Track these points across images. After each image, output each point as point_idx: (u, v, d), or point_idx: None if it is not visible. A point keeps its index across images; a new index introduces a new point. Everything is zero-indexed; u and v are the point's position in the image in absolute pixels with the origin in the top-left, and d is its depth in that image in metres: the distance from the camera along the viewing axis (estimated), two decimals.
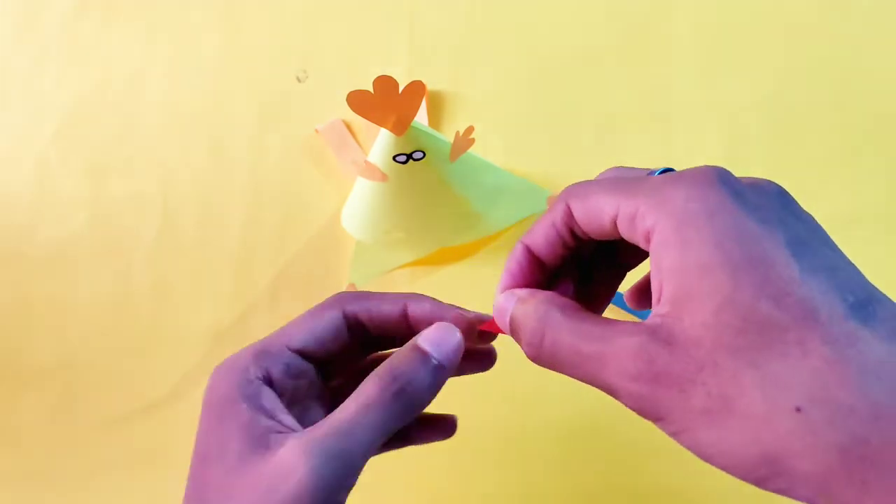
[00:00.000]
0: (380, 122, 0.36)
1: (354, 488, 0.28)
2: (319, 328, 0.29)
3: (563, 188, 0.28)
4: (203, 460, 0.27)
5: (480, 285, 0.49)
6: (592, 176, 0.46)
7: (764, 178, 0.24)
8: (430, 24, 0.56)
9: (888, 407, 0.18)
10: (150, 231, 0.53)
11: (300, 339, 0.29)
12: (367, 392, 0.26)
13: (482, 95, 0.54)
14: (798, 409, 0.19)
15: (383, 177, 0.40)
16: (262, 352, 0.28)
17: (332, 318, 0.30)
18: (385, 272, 0.49)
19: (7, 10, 0.59)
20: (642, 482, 0.45)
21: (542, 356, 0.24)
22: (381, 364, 0.27)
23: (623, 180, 0.24)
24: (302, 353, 0.29)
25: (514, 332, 0.25)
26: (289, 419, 0.27)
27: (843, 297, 0.20)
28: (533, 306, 0.25)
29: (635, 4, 0.55)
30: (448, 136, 0.39)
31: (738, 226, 0.21)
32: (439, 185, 0.41)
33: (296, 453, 0.24)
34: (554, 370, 0.24)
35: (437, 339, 0.27)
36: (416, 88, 0.34)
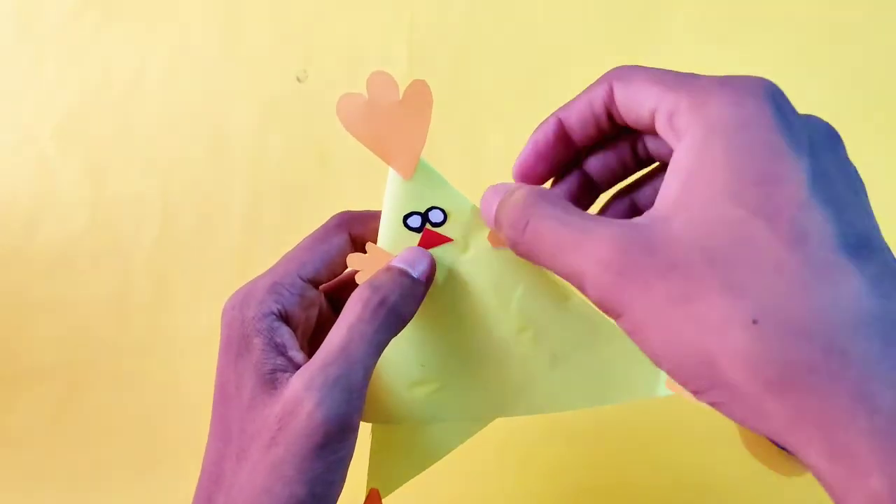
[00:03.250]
0: (381, 150, 0.28)
1: (354, 490, 0.28)
2: (329, 255, 0.29)
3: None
4: (223, 397, 0.27)
5: None
6: None
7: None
8: (430, 24, 0.56)
9: (845, 340, 0.18)
10: (151, 231, 0.53)
11: (312, 267, 0.29)
12: (352, 310, 0.26)
13: (482, 96, 0.54)
14: (755, 322, 0.18)
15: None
16: (276, 284, 0.28)
17: (340, 242, 0.30)
18: (421, 471, 0.32)
19: (7, 10, 0.59)
20: (642, 482, 0.45)
21: (523, 242, 0.24)
22: (360, 285, 0.27)
23: (671, 73, 0.24)
24: (313, 282, 0.29)
25: (497, 222, 0.25)
26: (299, 356, 0.27)
27: (844, 232, 0.19)
28: (522, 194, 0.24)
29: (635, 4, 0.55)
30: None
31: (766, 140, 0.20)
32: (483, 290, 0.29)
33: (298, 389, 0.25)
34: (532, 259, 0.24)
35: (410, 259, 0.28)
36: (419, 91, 0.27)
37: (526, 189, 0.24)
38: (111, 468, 0.49)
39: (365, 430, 0.30)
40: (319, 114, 0.54)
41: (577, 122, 0.26)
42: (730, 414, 0.20)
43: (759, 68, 0.57)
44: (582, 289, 0.22)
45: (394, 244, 0.29)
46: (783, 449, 0.23)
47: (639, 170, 0.28)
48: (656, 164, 0.28)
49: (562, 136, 0.27)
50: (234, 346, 0.27)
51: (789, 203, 0.19)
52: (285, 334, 0.27)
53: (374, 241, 0.29)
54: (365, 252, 0.29)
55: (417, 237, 0.29)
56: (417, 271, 0.28)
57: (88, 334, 0.51)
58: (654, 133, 0.24)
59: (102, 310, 0.52)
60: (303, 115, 0.55)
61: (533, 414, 0.31)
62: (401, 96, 0.27)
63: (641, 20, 0.55)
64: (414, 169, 0.28)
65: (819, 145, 0.21)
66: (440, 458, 0.32)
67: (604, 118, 0.26)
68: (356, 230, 0.30)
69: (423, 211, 0.29)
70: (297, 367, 0.26)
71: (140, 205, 0.54)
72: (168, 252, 0.53)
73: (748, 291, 0.18)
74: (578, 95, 0.26)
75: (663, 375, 0.32)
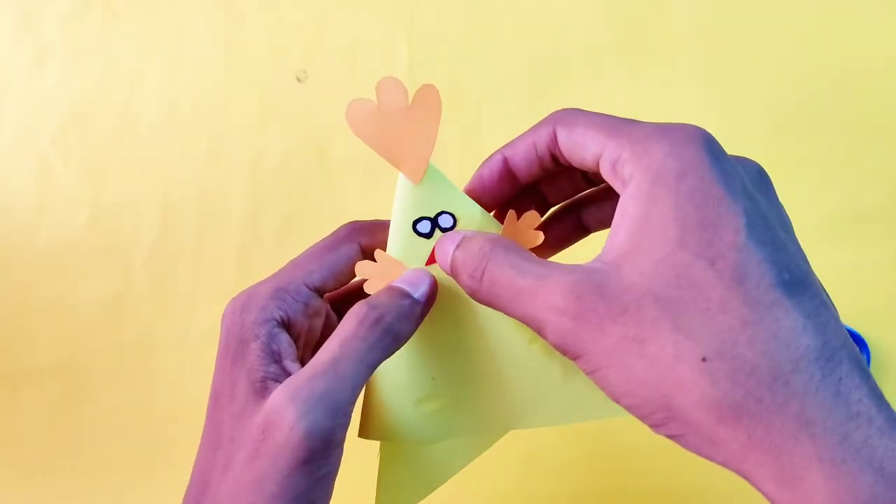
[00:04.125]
0: (390, 155, 0.28)
1: (353, 488, 0.28)
2: (338, 264, 0.29)
3: None
4: (216, 403, 0.27)
5: None
6: None
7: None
8: (430, 24, 0.56)
9: (788, 373, 0.19)
10: (150, 231, 0.53)
11: (319, 276, 0.28)
12: (346, 326, 0.26)
13: (482, 95, 0.54)
14: (704, 360, 0.20)
15: (403, 272, 0.29)
16: (280, 289, 0.27)
17: (349, 251, 0.29)
18: (431, 491, 0.31)
19: (7, 10, 0.59)
20: (643, 484, 0.45)
21: (481, 290, 0.24)
22: (358, 302, 0.27)
23: (612, 119, 0.25)
24: (319, 291, 0.29)
25: (454, 269, 0.26)
26: (295, 367, 0.26)
27: (780, 271, 0.20)
28: (479, 242, 0.25)
29: (635, 4, 0.55)
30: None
31: (704, 188, 0.21)
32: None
33: (282, 400, 0.24)
34: (492, 306, 0.25)
35: (412, 280, 0.27)
36: (428, 95, 0.27)
37: (482, 237, 0.25)
38: (111, 468, 0.49)
39: (372, 450, 0.30)
40: (319, 114, 0.54)
41: (521, 162, 0.27)
42: (686, 445, 0.21)
43: (761, 70, 0.57)
44: (541, 333, 0.23)
45: (403, 250, 0.28)
46: None
47: (590, 188, 0.29)
48: (603, 185, 0.29)
49: (506, 173, 0.28)
50: (232, 350, 0.26)
51: (729, 247, 0.20)
52: (283, 342, 0.27)
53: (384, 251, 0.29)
54: (374, 261, 0.28)
55: (427, 243, 0.28)
56: (418, 292, 0.27)
57: (88, 335, 0.52)
58: (597, 173, 0.25)
59: (102, 310, 0.52)
60: (303, 115, 0.55)
61: (546, 426, 0.31)
62: (410, 101, 0.27)
63: (642, 20, 0.54)
64: (423, 173, 0.28)
65: (752, 188, 0.22)
66: (450, 477, 0.31)
67: (547, 159, 0.27)
68: (366, 240, 0.30)
69: (432, 216, 0.28)
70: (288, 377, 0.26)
71: (140, 205, 0.54)
72: (168, 253, 0.53)
73: (696, 331, 0.20)
74: (522, 135, 0.27)
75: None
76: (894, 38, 0.52)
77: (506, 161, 0.28)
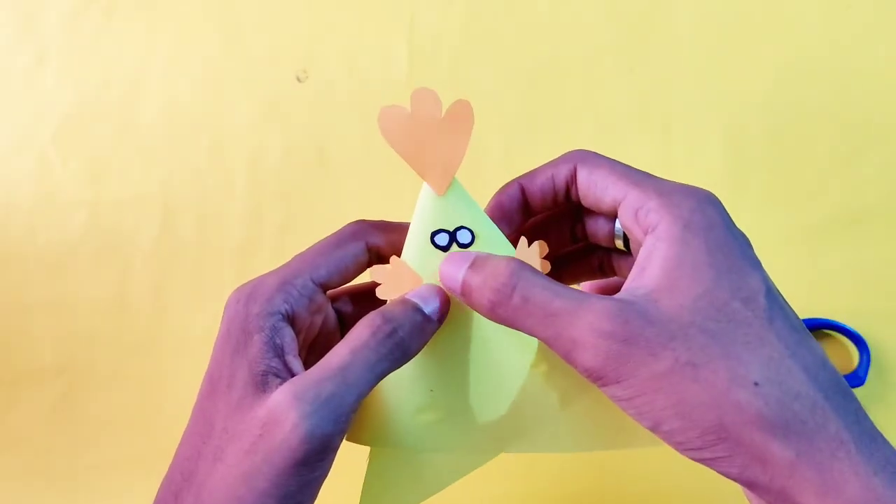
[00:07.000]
0: (417, 164, 0.28)
1: (339, 493, 0.28)
2: (344, 261, 0.29)
3: None
4: (212, 391, 0.27)
5: None
6: None
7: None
8: (430, 24, 0.56)
9: (822, 400, 0.22)
10: (150, 232, 0.53)
11: (325, 272, 0.28)
12: (359, 334, 0.26)
13: (482, 96, 0.54)
14: (756, 384, 0.22)
15: (416, 281, 0.29)
16: (286, 283, 0.27)
17: (356, 250, 0.29)
18: (417, 503, 0.31)
19: (7, 10, 0.59)
20: (642, 485, 0.45)
21: (507, 308, 0.25)
22: (372, 311, 0.27)
23: (633, 170, 0.27)
24: (323, 287, 0.29)
25: (468, 286, 0.26)
26: (296, 363, 0.26)
27: (793, 319, 0.24)
28: (502, 262, 0.25)
29: (635, 4, 0.55)
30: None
31: (728, 243, 0.24)
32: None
33: (287, 398, 0.24)
34: (514, 325, 0.25)
35: (425, 296, 0.28)
36: (462, 110, 0.27)
37: (499, 257, 0.26)
38: (111, 468, 0.49)
39: (361, 455, 0.30)
40: (319, 114, 0.54)
41: (538, 192, 0.29)
42: (728, 467, 0.23)
43: (761, 70, 0.57)
44: (575, 356, 0.24)
45: (418, 259, 0.29)
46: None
47: (568, 246, 0.32)
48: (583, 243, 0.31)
49: (522, 201, 0.29)
50: (233, 340, 0.26)
51: (757, 292, 0.24)
52: (287, 336, 0.27)
53: (392, 253, 0.29)
54: (386, 263, 0.29)
55: (442, 256, 0.28)
56: (430, 308, 0.28)
57: (88, 334, 0.52)
58: (605, 216, 0.27)
59: (102, 310, 0.52)
60: (303, 115, 0.55)
61: (535, 452, 0.30)
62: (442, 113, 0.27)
63: (642, 21, 0.54)
64: (448, 186, 0.28)
65: (747, 243, 0.26)
66: (437, 492, 0.31)
67: (563, 194, 0.28)
68: (373, 240, 0.29)
69: (451, 229, 0.28)
70: (291, 373, 0.26)
71: (140, 205, 0.54)
72: (168, 252, 0.53)
73: (744, 359, 0.23)
74: (540, 168, 0.29)
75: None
76: (894, 38, 0.53)
77: (522, 190, 0.29)
